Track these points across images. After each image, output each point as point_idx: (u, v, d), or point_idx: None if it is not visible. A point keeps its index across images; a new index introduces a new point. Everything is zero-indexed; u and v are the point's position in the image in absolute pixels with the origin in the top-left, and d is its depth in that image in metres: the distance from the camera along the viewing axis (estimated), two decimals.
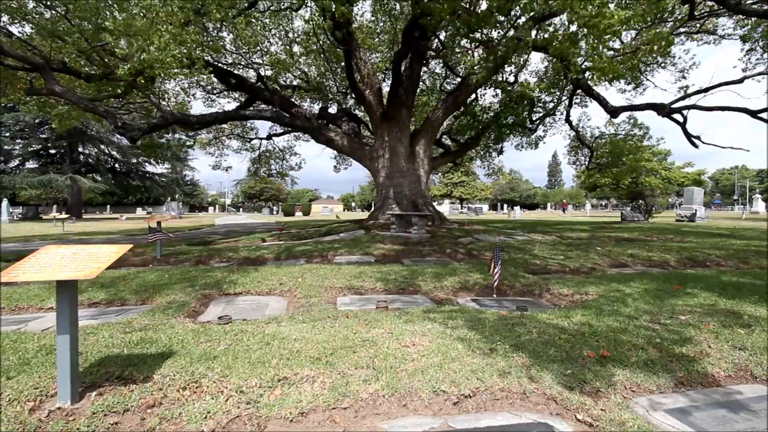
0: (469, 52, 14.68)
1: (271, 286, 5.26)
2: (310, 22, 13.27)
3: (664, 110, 13.14)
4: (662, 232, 13.84)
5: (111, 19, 7.33)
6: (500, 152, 19.61)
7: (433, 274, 6.01)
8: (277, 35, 14.77)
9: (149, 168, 43.04)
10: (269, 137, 19.54)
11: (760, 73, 12.49)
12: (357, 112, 17.68)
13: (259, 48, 14.31)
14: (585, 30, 7.81)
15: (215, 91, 16.85)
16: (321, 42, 13.94)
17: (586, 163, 18.70)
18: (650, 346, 2.97)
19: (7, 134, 35.36)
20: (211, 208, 71.12)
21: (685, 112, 13.28)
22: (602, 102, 14.21)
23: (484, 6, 9.56)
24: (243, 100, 15.76)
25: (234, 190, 79.51)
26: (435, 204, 20.58)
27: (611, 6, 8.52)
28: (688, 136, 13.33)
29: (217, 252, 8.61)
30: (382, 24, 15.46)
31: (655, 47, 9.40)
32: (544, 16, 11.15)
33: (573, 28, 8.70)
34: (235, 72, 14.70)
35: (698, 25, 13.44)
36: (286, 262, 7.53)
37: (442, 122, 16.00)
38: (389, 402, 2.24)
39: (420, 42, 12.58)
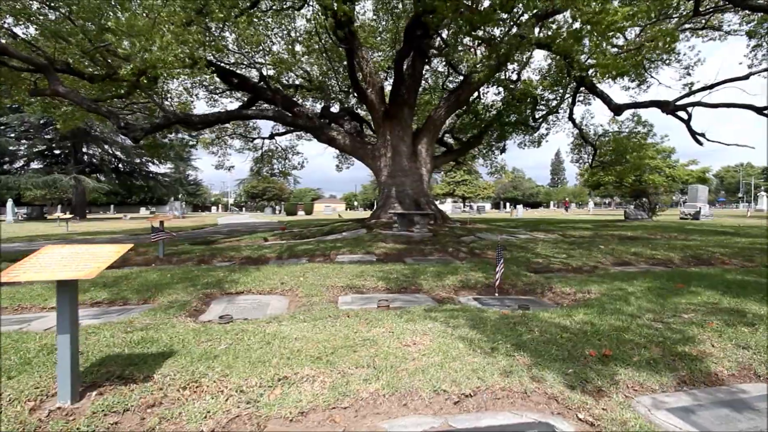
0: (472, 50, 14.63)
1: (273, 286, 5.26)
2: (312, 21, 13.25)
3: (668, 107, 13.05)
4: (666, 230, 13.75)
5: (114, 19, 7.34)
6: (503, 150, 19.54)
7: (435, 272, 5.99)
8: (280, 35, 14.77)
9: (153, 168, 43.26)
10: (272, 136, 19.56)
11: (765, 70, 12.37)
12: (359, 111, 17.66)
13: (261, 47, 14.32)
14: (588, 27, 7.76)
15: (218, 91, 16.89)
16: (323, 41, 13.93)
17: (590, 161, 18.60)
18: (653, 345, 2.94)
19: (12, 135, 35.64)
20: (214, 208, 71.38)
21: (689, 109, 13.19)
22: (606, 99, 14.13)
23: (486, 3, 9.51)
24: (245, 99, 15.79)
25: (237, 190, 79.71)
26: (437, 203, 20.57)
27: (615, 2, 8.46)
28: (693, 133, 13.23)
29: (220, 251, 8.63)
30: (384, 23, 15.43)
31: (660, 44, 9.34)
32: (547, 14, 11.09)
33: (576, 25, 8.65)
34: (238, 72, 14.73)
35: (703, 21, 13.31)
36: (287, 261, 7.54)
37: (445, 121, 15.96)
38: (389, 401, 2.23)
39: (422, 40, 12.55)
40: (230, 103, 18.36)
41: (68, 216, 22.06)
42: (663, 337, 3.09)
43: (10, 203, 28.25)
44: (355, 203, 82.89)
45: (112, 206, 53.97)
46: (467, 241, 9.79)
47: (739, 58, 28.41)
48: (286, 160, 21.19)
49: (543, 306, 4.63)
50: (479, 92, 16.78)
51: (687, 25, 13.28)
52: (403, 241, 9.63)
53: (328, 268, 6.22)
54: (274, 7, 12.91)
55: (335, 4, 8.68)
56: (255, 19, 11.79)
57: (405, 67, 13.44)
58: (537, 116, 16.78)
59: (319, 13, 11.35)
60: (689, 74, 14.31)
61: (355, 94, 15.83)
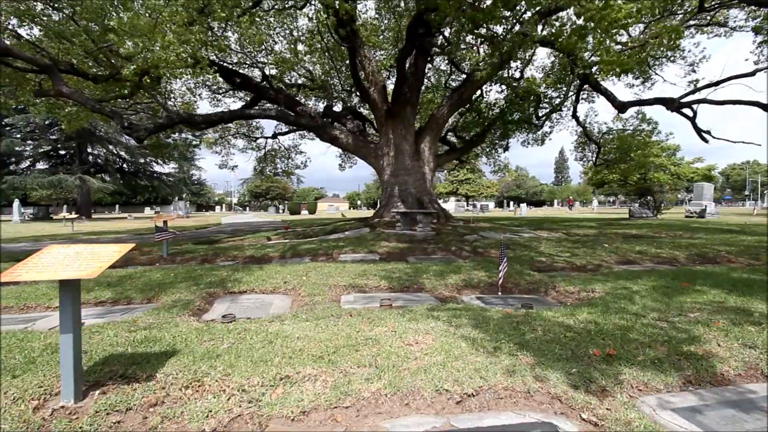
0: (474, 48, 14.58)
1: (276, 285, 5.27)
2: (314, 20, 13.25)
3: (673, 105, 12.94)
4: (671, 229, 13.64)
5: (116, 19, 7.37)
6: (506, 148, 19.48)
7: (438, 271, 5.98)
8: (282, 34, 14.79)
9: (157, 168, 43.44)
10: (274, 136, 19.60)
11: None
12: (362, 110, 17.65)
13: (263, 47, 14.34)
14: (592, 24, 7.69)
15: (221, 91, 16.94)
16: (325, 40, 13.93)
17: (594, 159, 18.50)
18: (658, 344, 2.92)
19: (18, 136, 35.88)
20: (218, 207, 71.62)
21: (694, 106, 13.08)
22: (610, 97, 14.04)
23: (489, 1, 9.45)
24: (248, 99, 15.82)
25: (240, 189, 79.97)
26: (440, 201, 20.53)
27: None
28: (698, 130, 13.12)
29: (223, 251, 8.65)
30: (386, 21, 15.40)
31: (665, 40, 9.25)
32: (550, 11, 11.02)
33: (580, 22, 8.58)
34: (240, 71, 14.75)
35: (708, 18, 13.19)
36: (290, 261, 7.55)
37: (447, 119, 15.91)
38: (391, 401, 2.22)
39: (424, 39, 12.51)
40: (233, 102, 18.40)
41: (74, 216, 22.20)
42: (668, 336, 3.06)
43: (16, 203, 28.46)
44: (359, 202, 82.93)
45: (116, 206, 54.30)
46: (470, 240, 9.76)
47: (745, 55, 28.13)
48: (289, 160, 21.23)
49: (546, 305, 4.61)
50: (482, 90, 16.73)
51: (692, 22, 13.16)
52: (406, 240, 9.62)
53: (330, 267, 6.22)
54: (276, 7, 12.92)
55: (337, 3, 8.67)
56: (257, 19, 11.81)
57: (407, 65, 13.42)
58: (540, 114, 16.70)
59: (321, 12, 11.34)
60: (694, 71, 14.20)
61: (358, 93, 15.82)
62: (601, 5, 7.14)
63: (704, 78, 12.60)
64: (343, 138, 14.65)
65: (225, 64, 14.15)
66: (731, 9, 12.74)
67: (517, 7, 9.91)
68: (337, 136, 14.63)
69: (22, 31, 10.57)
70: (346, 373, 2.46)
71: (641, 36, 12.84)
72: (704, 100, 12.79)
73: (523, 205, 44.75)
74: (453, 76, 17.21)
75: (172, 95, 15.56)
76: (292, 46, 14.62)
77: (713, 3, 12.10)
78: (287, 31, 14.67)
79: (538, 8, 10.00)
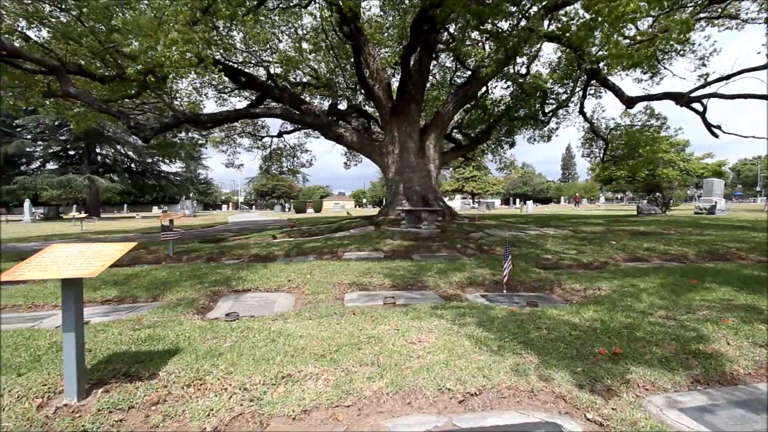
0: (480, 44, 14.46)
1: (280, 283, 5.28)
2: (318, 18, 13.23)
3: (682, 99, 12.73)
4: (680, 225, 13.46)
5: (120, 18, 7.42)
6: (512, 145, 19.33)
7: (442, 269, 5.94)
8: (287, 33, 14.79)
9: (164, 167, 43.86)
10: (280, 135, 19.64)
11: None
12: (366, 107, 17.61)
13: (268, 46, 14.35)
14: (600, 17, 7.57)
15: (226, 90, 17.00)
16: (330, 39, 13.90)
17: (601, 155, 18.28)
18: (665, 343, 2.87)
19: (29, 137, 36.42)
20: (224, 206, 72.17)
21: (704, 100, 12.84)
22: (617, 92, 13.84)
23: None
24: (254, 98, 15.86)
25: (247, 188, 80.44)
26: (446, 199, 20.45)
27: None
28: (708, 125, 12.89)
29: (228, 249, 8.69)
30: (391, 18, 15.33)
31: (674, 34, 9.07)
32: (556, 5, 10.88)
33: (587, 15, 8.45)
34: (246, 70, 14.78)
35: (720, 10, 12.93)
36: (295, 259, 7.56)
37: (453, 116, 15.81)
38: (393, 400, 2.21)
39: (429, 35, 12.43)
40: (239, 102, 18.48)
41: (83, 215, 22.46)
42: (676, 334, 3.01)
43: (27, 203, 28.91)
44: (364, 200, 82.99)
45: (125, 205, 54.90)
46: (476, 238, 9.71)
47: (757, 47, 27.57)
48: (295, 158, 21.28)
49: (552, 303, 4.56)
50: (487, 87, 16.60)
51: (702, 14, 12.91)
52: (411, 237, 9.59)
53: (334, 266, 6.21)
54: (281, 5, 12.92)
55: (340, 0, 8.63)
56: (262, 18, 11.82)
57: (412, 62, 13.34)
58: (547, 110, 16.54)
59: (325, 9, 11.31)
60: (704, 65, 13.96)
61: (363, 91, 15.78)
62: None
63: (715, 72, 12.31)
64: (348, 136, 14.63)
65: (230, 64, 14.19)
66: (743, 1, 12.48)
67: (523, 2, 9.80)
68: (342, 134, 14.62)
69: (30, 33, 10.70)
70: (348, 372, 2.45)
71: (650, 30, 12.63)
72: (715, 95, 12.56)
73: (530, 203, 44.47)
74: (458, 73, 17.09)
75: (178, 95, 15.66)
76: (297, 44, 14.63)
77: None
78: (292, 30, 14.67)
79: (544, 3, 9.88)
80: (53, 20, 9.92)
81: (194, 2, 7.20)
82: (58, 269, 2.07)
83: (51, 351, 2.73)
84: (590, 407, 2.12)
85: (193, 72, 7.49)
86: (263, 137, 20.17)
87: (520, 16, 11.08)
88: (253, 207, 73.02)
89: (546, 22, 11.44)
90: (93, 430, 1.90)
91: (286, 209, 55.35)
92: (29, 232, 17.69)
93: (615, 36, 8.36)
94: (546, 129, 17.72)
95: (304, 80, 16.84)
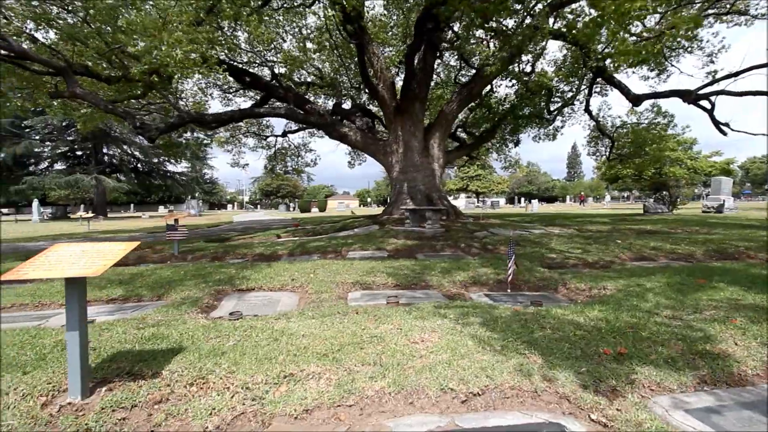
0: (484, 42, 14.38)
1: (283, 282, 5.29)
2: (322, 17, 13.23)
3: (690, 97, 12.59)
4: (687, 224, 13.31)
5: (124, 18, 7.47)
6: (517, 144, 19.24)
7: (446, 268, 5.92)
8: (291, 32, 14.80)
9: (170, 167, 44.19)
10: (284, 134, 19.69)
11: None
12: (371, 107, 17.60)
13: (273, 45, 14.37)
14: (605, 15, 7.51)
15: (231, 90, 17.07)
16: (334, 38, 13.90)
17: (607, 153, 18.13)
18: (671, 343, 2.83)
19: (37, 137, 36.84)
20: (230, 206, 72.55)
21: (713, 98, 12.70)
22: (624, 90, 13.72)
23: None
24: (258, 98, 15.91)
25: (252, 188, 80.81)
26: (450, 198, 20.38)
27: None
28: (717, 123, 12.75)
29: (233, 248, 8.73)
30: (395, 17, 15.30)
31: (681, 31, 8.96)
32: (562, 3, 10.80)
33: (593, 12, 8.38)
34: (250, 70, 14.83)
35: (728, 6, 12.75)
36: (299, 258, 7.57)
37: (457, 115, 15.75)
38: (395, 399, 2.20)
39: (433, 33, 12.39)
40: (244, 102, 18.52)
41: (90, 215, 22.67)
42: (682, 334, 2.97)
43: (36, 203, 29.27)
44: (369, 200, 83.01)
45: (131, 205, 55.37)
46: (480, 237, 9.66)
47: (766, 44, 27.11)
48: (299, 158, 21.32)
49: (556, 302, 4.52)
50: (492, 85, 16.50)
51: (711, 11, 12.74)
52: (415, 237, 9.57)
53: (338, 265, 6.21)
54: (285, 5, 12.94)
55: None
56: (266, 17, 11.84)
57: (416, 61, 13.31)
58: (552, 108, 16.42)
59: (329, 9, 11.30)
60: (713, 62, 13.74)
61: (367, 90, 15.77)
62: None
63: (723, 69, 12.20)
64: (352, 135, 14.63)
65: (235, 64, 14.24)
66: None
67: None
68: (346, 133, 14.62)
69: (38, 35, 10.80)
70: (350, 371, 2.44)
71: (657, 27, 12.49)
72: (723, 92, 12.41)
73: (535, 201, 44.23)
74: (462, 72, 17.02)
75: (183, 95, 15.74)
76: (301, 44, 14.63)
77: None
78: (296, 30, 14.68)
79: (549, 0, 9.79)
80: (60, 22, 10.01)
81: (198, 2, 7.23)
82: (62, 268, 2.09)
83: (56, 349, 2.76)
84: (594, 408, 2.10)
85: (197, 72, 7.52)
86: (268, 137, 20.24)
87: (524, 13, 11.02)
88: (258, 206, 73.34)
89: (551, 20, 11.35)
90: (96, 428, 1.91)
91: (291, 208, 55.53)
92: (38, 231, 17.89)
93: (621, 33, 8.29)
94: (551, 127, 17.60)
95: (309, 80, 16.86)
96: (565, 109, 17.23)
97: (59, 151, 38.37)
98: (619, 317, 3.36)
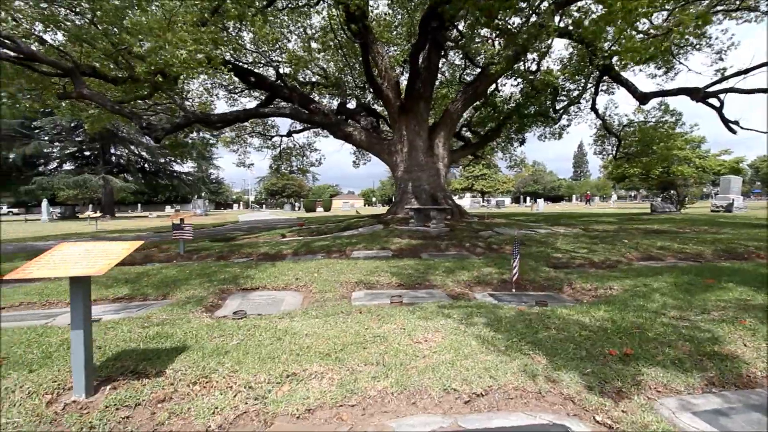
0: (489, 41, 14.31)
1: (288, 281, 5.30)
2: (326, 16, 13.24)
3: (698, 94, 12.43)
4: (695, 224, 13.16)
5: (129, 18, 7.53)
6: (522, 143, 19.12)
7: (450, 268, 5.90)
8: (295, 32, 14.84)
9: (176, 167, 44.58)
10: (289, 134, 19.75)
11: None
12: (375, 106, 17.59)
13: (278, 45, 14.42)
14: (612, 13, 7.42)
15: (236, 91, 17.15)
16: (338, 38, 13.91)
17: (614, 152, 17.97)
18: (679, 344, 2.79)
19: (46, 138, 37.30)
20: (235, 205, 72.99)
21: (722, 96, 12.52)
22: (631, 88, 13.58)
23: None
24: (263, 98, 15.97)
25: (257, 187, 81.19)
26: (456, 198, 20.32)
27: None
28: (725, 121, 12.57)
29: (238, 248, 8.77)
30: (399, 17, 15.27)
31: (690, 28, 8.84)
32: (567, 0, 10.71)
33: (600, 8, 8.29)
34: (255, 70, 14.88)
35: (737, 2, 12.56)
36: (303, 258, 7.59)
37: (462, 114, 15.70)
38: (398, 400, 2.19)
39: (438, 32, 12.34)
40: (249, 102, 18.61)
41: (98, 215, 22.91)
42: (690, 335, 2.93)
43: (45, 203, 29.65)
44: (374, 199, 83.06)
45: (139, 205, 55.90)
46: (485, 237, 9.62)
47: None
48: (304, 157, 21.38)
49: (562, 302, 4.49)
50: (497, 84, 16.43)
51: (719, 7, 12.56)
52: (419, 236, 9.55)
53: (342, 264, 6.21)
54: (290, 5, 12.97)
55: None
56: (271, 18, 11.88)
57: (421, 60, 13.27)
58: (558, 107, 16.30)
59: (333, 8, 11.30)
60: (722, 59, 13.56)
61: (371, 90, 15.77)
62: None
63: (732, 66, 12.04)
64: (357, 135, 14.64)
65: (240, 64, 14.30)
66: None
67: None
68: (351, 133, 14.63)
69: (46, 37, 10.93)
70: (352, 371, 2.44)
71: (665, 24, 12.34)
72: (732, 89, 12.23)
73: (540, 201, 43.95)
74: (467, 71, 16.94)
75: (189, 96, 15.84)
76: (306, 44, 14.67)
77: None
78: (301, 30, 14.72)
79: None
80: (68, 23, 10.12)
81: (203, 2, 7.26)
82: (66, 268, 2.10)
83: (62, 348, 2.78)
84: (600, 409, 2.08)
85: (202, 72, 7.56)
86: (273, 137, 20.31)
87: (530, 11, 10.94)
88: (264, 206, 73.67)
89: (557, 18, 11.26)
90: (100, 426, 1.92)
91: (296, 208, 55.71)
92: (47, 231, 18.11)
93: (628, 30, 8.20)
94: (557, 126, 17.47)
95: (313, 80, 16.90)
96: (571, 108, 17.10)
97: (68, 151, 38.84)
98: (625, 317, 3.32)
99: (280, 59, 15.23)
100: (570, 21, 11.75)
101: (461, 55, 16.32)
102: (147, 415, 2.03)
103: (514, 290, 4.96)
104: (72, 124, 35.96)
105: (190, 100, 15.91)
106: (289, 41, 15.07)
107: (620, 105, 62.23)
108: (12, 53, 8.82)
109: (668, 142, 17.21)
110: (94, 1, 8.43)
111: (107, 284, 5.15)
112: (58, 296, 4.77)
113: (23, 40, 9.24)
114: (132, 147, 40.56)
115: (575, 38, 12.31)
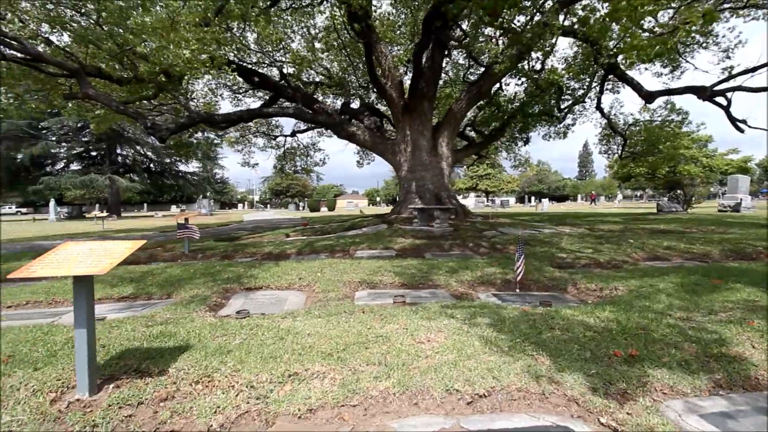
0: (493, 40, 14.25)
1: (291, 281, 5.30)
2: (329, 16, 13.25)
3: (705, 93, 12.30)
4: (702, 223, 13.03)
5: (133, 18, 7.57)
6: (526, 142, 19.03)
7: (454, 268, 5.88)
8: (299, 32, 14.87)
9: (182, 167, 44.82)
10: (293, 134, 19.80)
11: None
12: (379, 106, 17.58)
13: (281, 45, 14.46)
14: (617, 12, 7.37)
15: (241, 91, 17.22)
16: (342, 38, 13.92)
17: (619, 152, 17.83)
18: (685, 345, 2.76)
19: (53, 138, 37.66)
20: (240, 205, 73.26)
21: (729, 94, 12.37)
22: (636, 87, 13.47)
23: None
24: (267, 98, 16.01)
25: (262, 187, 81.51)
26: (460, 197, 20.26)
27: None
28: (733, 120, 12.43)
29: (242, 247, 8.79)
30: (403, 16, 15.25)
31: (696, 26, 8.76)
32: None
33: (604, 6, 8.22)
34: (259, 70, 14.93)
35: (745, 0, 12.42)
36: (307, 257, 7.60)
37: (466, 113, 15.65)
38: (400, 400, 2.18)
39: (441, 32, 12.31)
40: (253, 102, 18.67)
41: (104, 214, 23.12)
42: (696, 336, 2.89)
43: (52, 203, 29.96)
44: (378, 199, 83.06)
45: (144, 205, 56.30)
46: (489, 236, 9.58)
47: None
48: (308, 157, 21.42)
49: (566, 303, 4.45)
50: (501, 83, 16.35)
51: (726, 5, 12.42)
52: (423, 236, 9.53)
53: (346, 264, 6.21)
54: (293, 5, 12.99)
55: None
56: (274, 18, 11.91)
57: (424, 60, 13.24)
58: (562, 106, 16.20)
59: (336, 7, 11.30)
60: (729, 57, 13.41)
61: (375, 89, 15.75)
62: None
63: (740, 64, 11.84)
64: (361, 134, 14.64)
65: (244, 64, 14.35)
66: None
67: None
68: (355, 132, 14.63)
69: (52, 38, 11.01)
70: (354, 371, 2.43)
71: (671, 21, 12.22)
72: (739, 88, 12.08)
73: (545, 201, 43.75)
74: (471, 70, 16.89)
75: (193, 96, 15.92)
76: (310, 44, 14.69)
77: None
78: (304, 30, 14.75)
79: None
80: (74, 24, 10.20)
81: (207, 2, 7.29)
82: (69, 267, 2.11)
83: (67, 346, 2.80)
84: (604, 411, 2.05)
85: (206, 72, 7.59)
86: (277, 137, 20.37)
87: (534, 10, 10.87)
88: (268, 206, 73.92)
89: (561, 16, 11.19)
90: (103, 425, 1.93)
91: (300, 208, 55.87)
92: (54, 230, 18.28)
93: (634, 28, 8.13)
94: (561, 125, 17.37)
95: (317, 79, 16.92)
96: (576, 107, 17.00)
97: (75, 151, 39.22)
98: (630, 318, 3.29)
99: (283, 59, 15.28)
100: (575, 19, 11.66)
101: (465, 55, 16.27)
102: (149, 414, 2.04)
103: (517, 290, 4.93)
104: (78, 125, 36.26)
105: (195, 101, 15.99)
106: (293, 41, 15.11)
107: (626, 104, 61.57)
108: (19, 54, 8.90)
109: (674, 141, 17.07)
110: (100, 2, 8.48)
111: (112, 283, 5.19)
112: (64, 295, 4.81)
113: (30, 41, 9.33)
114: (138, 147, 40.85)
115: (580, 37, 12.22)
